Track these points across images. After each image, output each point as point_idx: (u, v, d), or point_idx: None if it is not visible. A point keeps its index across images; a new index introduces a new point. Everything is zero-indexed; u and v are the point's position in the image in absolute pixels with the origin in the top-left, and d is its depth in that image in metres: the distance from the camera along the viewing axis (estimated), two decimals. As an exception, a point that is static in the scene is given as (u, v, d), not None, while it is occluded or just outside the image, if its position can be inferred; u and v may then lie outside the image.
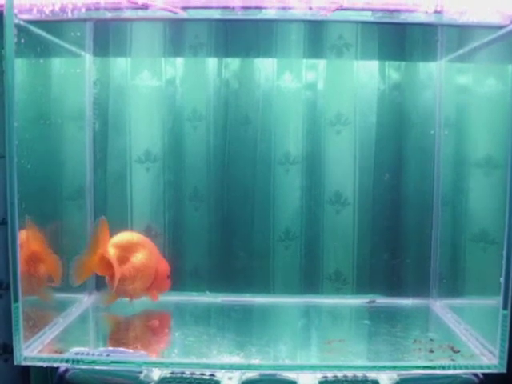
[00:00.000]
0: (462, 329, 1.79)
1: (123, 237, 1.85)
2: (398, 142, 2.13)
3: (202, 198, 2.14)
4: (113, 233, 1.84)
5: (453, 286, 2.01)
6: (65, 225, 1.99)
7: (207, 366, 1.51)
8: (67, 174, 2.06)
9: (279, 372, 1.51)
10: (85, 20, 1.58)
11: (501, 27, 1.52)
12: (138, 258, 1.84)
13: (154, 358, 1.54)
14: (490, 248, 1.86)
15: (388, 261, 2.12)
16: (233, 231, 2.14)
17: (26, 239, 1.64)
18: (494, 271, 1.52)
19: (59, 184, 2.03)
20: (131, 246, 1.84)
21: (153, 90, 2.12)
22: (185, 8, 1.56)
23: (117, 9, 1.55)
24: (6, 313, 1.53)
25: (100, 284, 2.06)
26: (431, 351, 1.61)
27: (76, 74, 2.05)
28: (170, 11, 1.54)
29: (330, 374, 1.50)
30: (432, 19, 1.57)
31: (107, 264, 1.79)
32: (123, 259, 1.82)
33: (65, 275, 1.78)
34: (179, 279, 2.03)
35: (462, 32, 1.77)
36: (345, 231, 2.14)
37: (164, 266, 1.93)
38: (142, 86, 2.11)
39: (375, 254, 2.14)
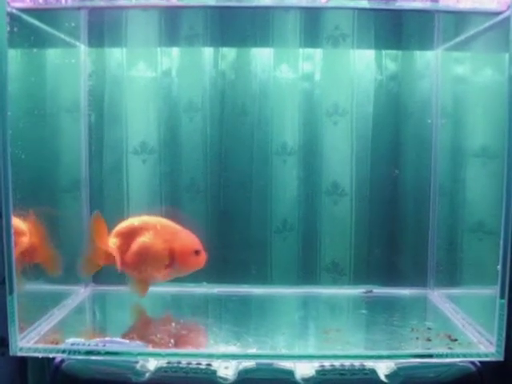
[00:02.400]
0: (459, 318, 1.79)
1: (124, 224, 1.82)
2: (395, 132, 2.13)
3: (199, 189, 2.13)
4: (110, 224, 1.81)
5: (450, 276, 2.01)
6: (60, 217, 1.98)
7: (203, 356, 1.50)
8: (62, 166, 2.05)
9: (276, 361, 1.50)
10: (78, 8, 1.56)
11: (498, 13, 1.51)
12: (139, 242, 1.78)
13: (150, 349, 1.53)
14: (487, 238, 1.86)
15: (385, 251, 2.12)
16: (230, 222, 2.13)
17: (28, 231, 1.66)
18: (491, 261, 1.51)
19: (54, 176, 2.02)
20: (133, 231, 1.80)
21: (148, 81, 2.11)
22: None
23: (110, -4, 1.54)
24: (2, 306, 1.52)
25: (97, 276, 2.05)
26: (429, 340, 1.60)
27: (71, 64, 2.03)
28: (164, -1, 1.53)
29: (327, 363, 1.49)
30: (428, 6, 1.56)
31: (111, 255, 1.78)
32: (125, 247, 1.79)
33: (61, 267, 1.77)
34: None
35: (459, 20, 1.75)
36: (342, 222, 2.13)
37: (185, 243, 1.79)
38: (137, 77, 2.11)
39: (372, 245, 2.13)
